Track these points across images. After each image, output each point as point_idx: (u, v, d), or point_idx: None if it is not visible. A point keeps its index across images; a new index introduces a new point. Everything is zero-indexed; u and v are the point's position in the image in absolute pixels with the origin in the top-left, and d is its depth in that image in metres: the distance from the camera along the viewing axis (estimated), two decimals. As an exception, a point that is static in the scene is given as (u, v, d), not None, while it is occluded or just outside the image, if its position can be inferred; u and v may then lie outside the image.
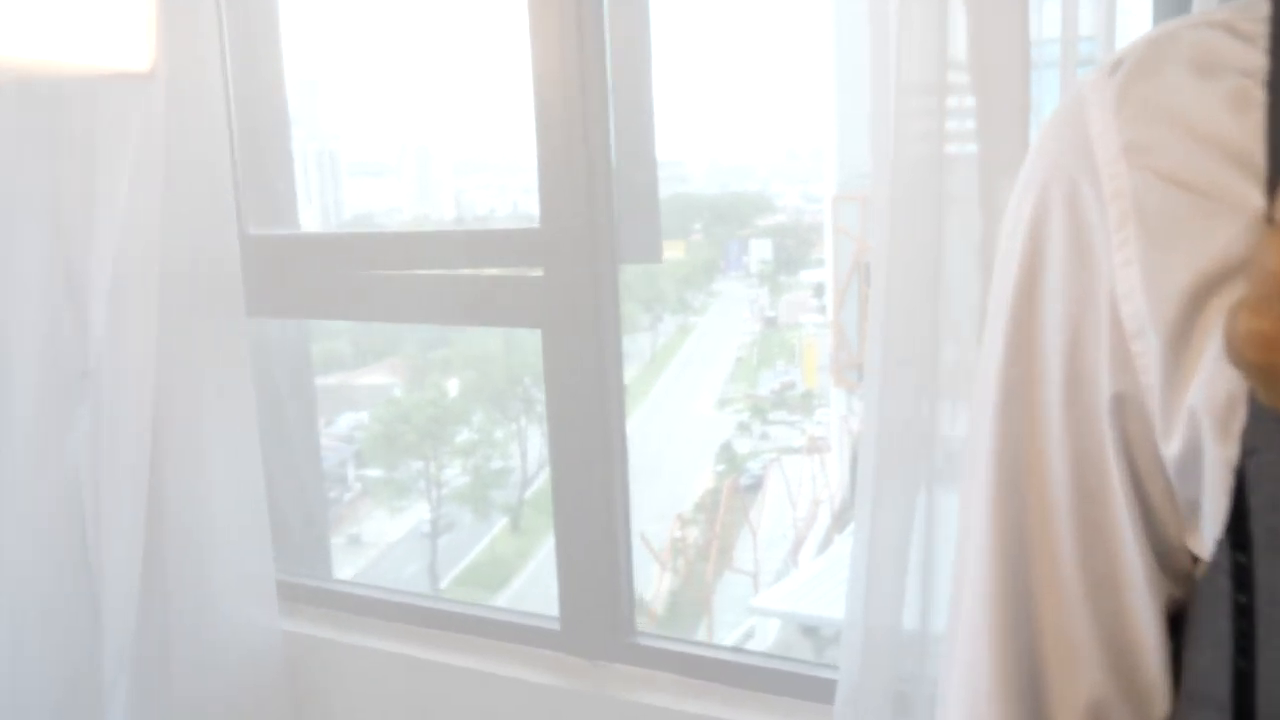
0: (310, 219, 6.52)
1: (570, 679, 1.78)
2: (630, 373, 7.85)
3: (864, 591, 1.37)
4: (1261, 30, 0.59)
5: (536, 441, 6.74)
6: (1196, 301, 0.57)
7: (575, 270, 1.72)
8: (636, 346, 7.78)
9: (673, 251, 7.43)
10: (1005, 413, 0.67)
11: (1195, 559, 0.63)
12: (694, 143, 7.04)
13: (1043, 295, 0.65)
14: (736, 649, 1.88)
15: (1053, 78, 1.25)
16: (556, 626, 1.83)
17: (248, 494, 1.87)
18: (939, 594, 1.35)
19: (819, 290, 6.97)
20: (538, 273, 1.76)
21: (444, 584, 6.93)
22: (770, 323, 7.53)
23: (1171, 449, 0.60)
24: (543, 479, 1.80)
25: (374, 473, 7.43)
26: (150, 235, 1.71)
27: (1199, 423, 0.57)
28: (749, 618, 5.69)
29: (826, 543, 6.18)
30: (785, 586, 5.58)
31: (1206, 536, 0.60)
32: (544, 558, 1.74)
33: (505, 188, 6.66)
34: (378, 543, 7.18)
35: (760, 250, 7.33)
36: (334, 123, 6.90)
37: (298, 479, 2.12)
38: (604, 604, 1.78)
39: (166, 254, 1.75)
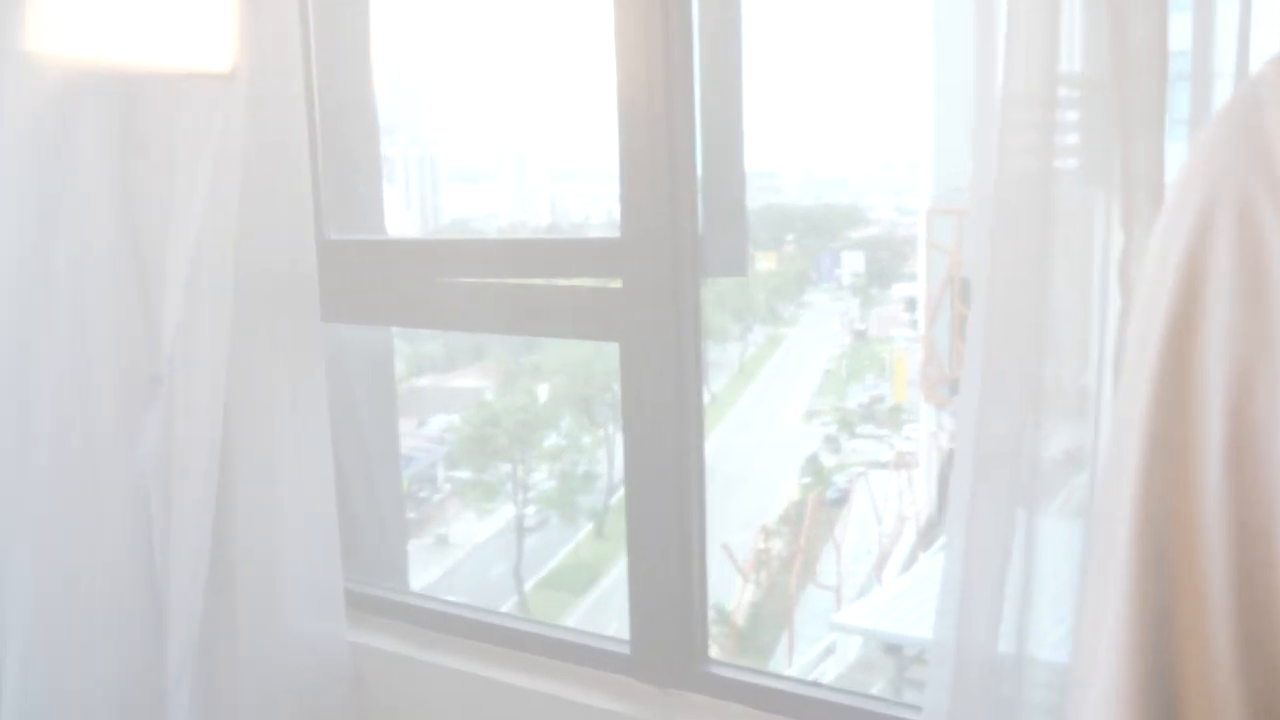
0: (409, 223, 6.64)
1: (639, 706, 1.71)
2: (719, 382, 7.84)
3: (955, 611, 1.32)
4: None
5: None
6: None
7: (656, 282, 1.66)
8: (726, 356, 7.78)
9: (765, 262, 7.42)
10: (1151, 473, 0.56)
11: None
12: (788, 154, 7.01)
13: (1203, 334, 0.54)
14: (814, 683, 1.81)
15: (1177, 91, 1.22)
16: (627, 650, 1.77)
17: (318, 502, 1.82)
18: (1037, 617, 1.31)
19: (911, 304, 6.90)
20: (617, 284, 1.71)
21: (528, 586, 6.99)
22: (860, 336, 7.48)
23: None
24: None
25: (463, 474, 7.52)
26: (226, 239, 1.68)
27: None
28: (830, 633, 5.64)
29: (911, 560, 6.11)
30: (868, 603, 5.52)
31: None
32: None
33: (599, 195, 6.72)
34: (465, 544, 7.27)
35: (852, 262, 7.29)
36: (435, 129, 7.02)
37: (376, 487, 2.09)
38: (677, 629, 1.71)
39: (242, 258, 1.71)
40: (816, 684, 1.83)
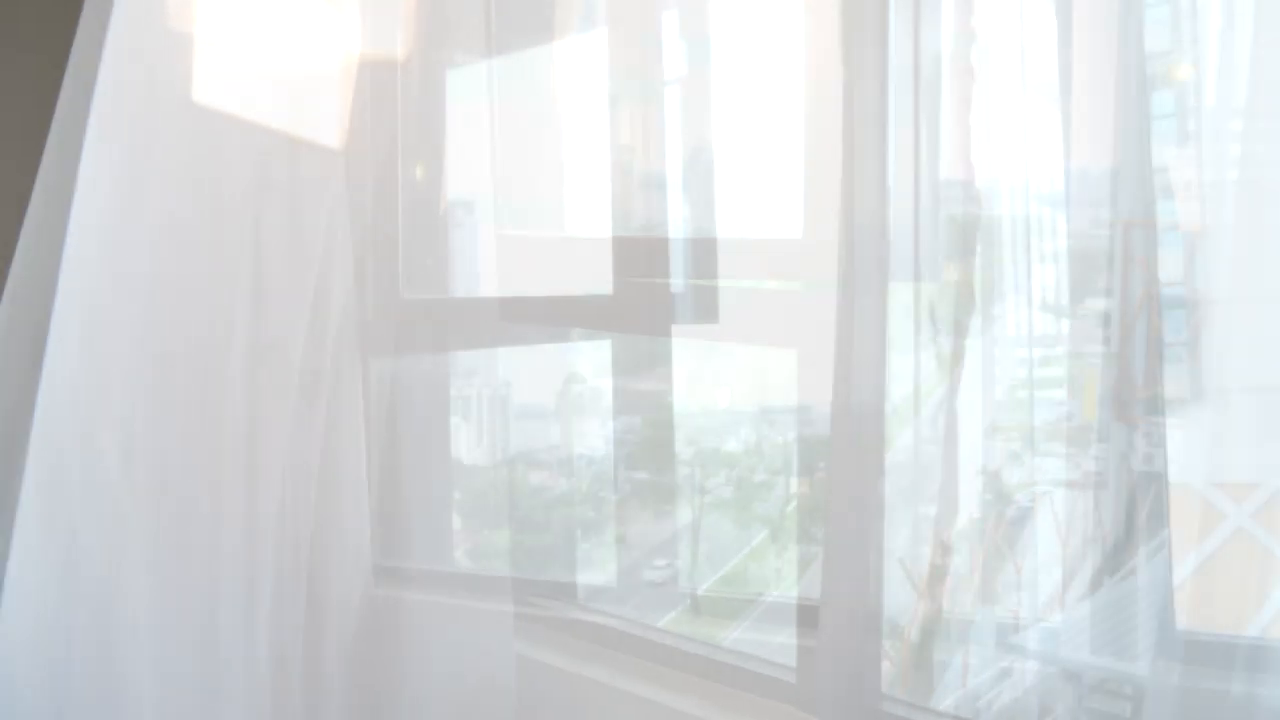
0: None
1: (802, 741, 1.63)
2: (900, 392, 7.74)
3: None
4: None
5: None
6: None
7: (836, 285, 1.60)
8: (908, 366, 7.65)
9: (952, 272, 7.27)
10: None
11: None
12: (983, 162, 6.86)
13: None
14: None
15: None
16: (792, 679, 1.70)
17: (487, 510, 1.78)
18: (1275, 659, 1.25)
19: (1104, 319, 6.67)
20: (795, 287, 1.66)
21: (701, 590, 7.01)
22: (1049, 350, 7.25)
23: None
24: (805, 497, 1.78)
25: (642, 475, 7.58)
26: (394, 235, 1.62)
27: None
28: (1007, 655, 5.48)
29: (1096, 585, 5.90)
30: (1048, 627, 5.35)
31: None
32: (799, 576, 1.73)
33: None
34: (641, 544, 7.34)
35: (1043, 275, 7.08)
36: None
37: (550, 494, 2.06)
38: (847, 659, 1.64)
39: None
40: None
